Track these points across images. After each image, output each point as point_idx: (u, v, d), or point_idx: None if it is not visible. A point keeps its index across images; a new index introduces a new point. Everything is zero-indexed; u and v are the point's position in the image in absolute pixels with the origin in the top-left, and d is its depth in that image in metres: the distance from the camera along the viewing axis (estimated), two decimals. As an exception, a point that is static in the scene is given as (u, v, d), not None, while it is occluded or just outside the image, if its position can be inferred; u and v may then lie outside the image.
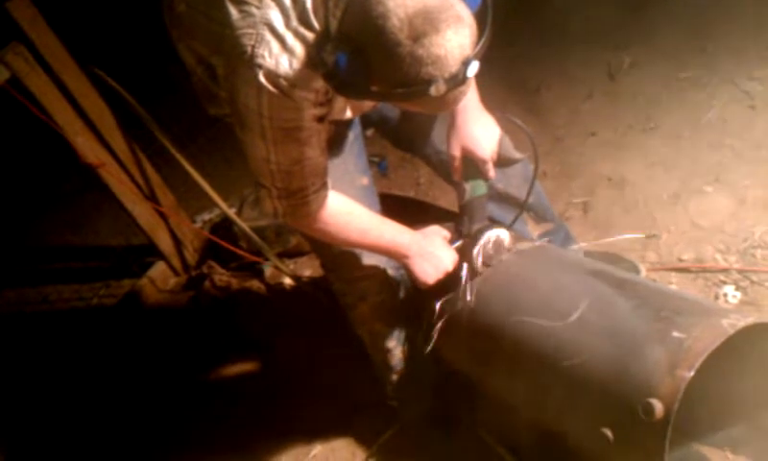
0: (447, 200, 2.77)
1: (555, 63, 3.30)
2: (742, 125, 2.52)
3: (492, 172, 1.75)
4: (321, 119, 1.43)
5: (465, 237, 1.75)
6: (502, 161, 1.77)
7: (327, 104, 1.42)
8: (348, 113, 1.66)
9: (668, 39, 3.05)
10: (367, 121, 1.91)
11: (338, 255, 1.79)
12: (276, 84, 1.31)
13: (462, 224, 1.77)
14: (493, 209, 1.90)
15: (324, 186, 1.54)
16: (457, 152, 1.74)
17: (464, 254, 1.72)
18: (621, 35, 3.22)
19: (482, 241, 1.69)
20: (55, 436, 2.66)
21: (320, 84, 1.34)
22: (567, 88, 3.14)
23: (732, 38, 2.88)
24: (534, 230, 2.02)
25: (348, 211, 1.62)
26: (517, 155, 1.82)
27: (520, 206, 1.90)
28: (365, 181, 1.83)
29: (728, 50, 2.85)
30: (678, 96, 2.79)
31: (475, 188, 1.75)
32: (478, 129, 1.71)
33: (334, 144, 1.70)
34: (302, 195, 1.50)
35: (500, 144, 1.75)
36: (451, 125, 1.73)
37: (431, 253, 1.69)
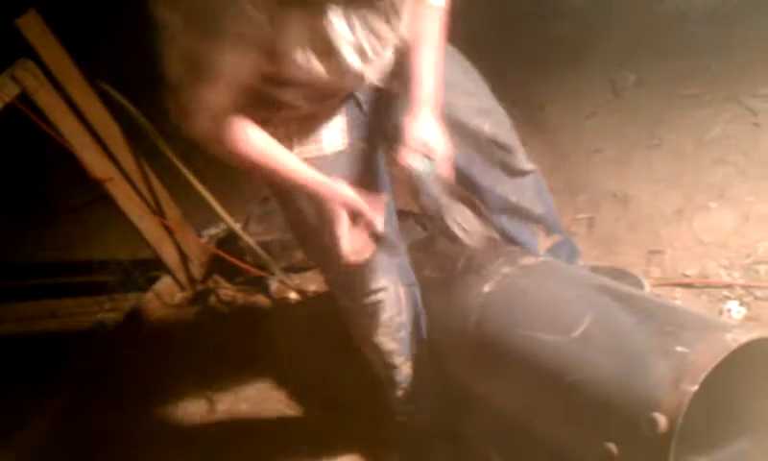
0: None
1: (559, 81, 3.32)
2: (746, 142, 2.52)
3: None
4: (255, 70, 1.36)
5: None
6: (514, 172, 1.76)
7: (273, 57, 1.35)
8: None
9: (672, 57, 3.07)
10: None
11: (350, 275, 1.71)
12: None
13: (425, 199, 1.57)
14: (506, 223, 1.89)
15: None
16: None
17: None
18: (626, 52, 3.24)
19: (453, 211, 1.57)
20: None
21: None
22: (572, 105, 3.15)
23: (737, 56, 2.90)
24: (544, 242, 2.02)
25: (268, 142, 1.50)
26: (529, 166, 1.82)
27: (532, 219, 1.89)
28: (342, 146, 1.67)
29: (732, 67, 2.87)
30: (682, 113, 2.80)
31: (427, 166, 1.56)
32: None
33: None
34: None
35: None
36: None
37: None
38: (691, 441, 1.52)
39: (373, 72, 1.52)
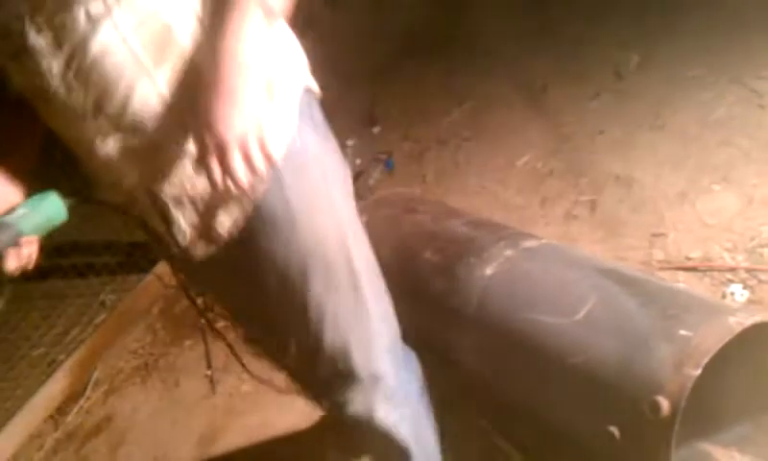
0: (454, 199, 2.77)
1: (562, 62, 3.29)
2: (750, 124, 2.50)
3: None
4: None
5: None
6: None
7: None
8: None
9: (676, 39, 3.04)
10: None
11: None
12: None
13: None
14: None
15: None
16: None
17: None
18: (629, 34, 3.21)
19: None
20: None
21: None
22: (575, 87, 3.13)
23: (741, 38, 2.87)
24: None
25: None
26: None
27: None
28: None
29: (736, 49, 2.84)
30: (686, 95, 2.78)
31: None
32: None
33: None
34: None
35: None
36: None
37: None
38: (694, 424, 1.52)
39: None
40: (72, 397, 2.86)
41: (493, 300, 1.66)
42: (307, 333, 1.25)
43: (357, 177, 3.19)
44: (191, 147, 1.08)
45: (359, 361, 1.30)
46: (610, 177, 2.59)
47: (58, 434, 2.73)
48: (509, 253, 1.72)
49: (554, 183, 2.70)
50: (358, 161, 3.29)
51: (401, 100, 3.71)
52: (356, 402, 1.34)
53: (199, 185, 1.13)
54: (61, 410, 2.83)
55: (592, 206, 2.52)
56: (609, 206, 2.48)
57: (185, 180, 1.13)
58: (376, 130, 3.56)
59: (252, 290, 1.23)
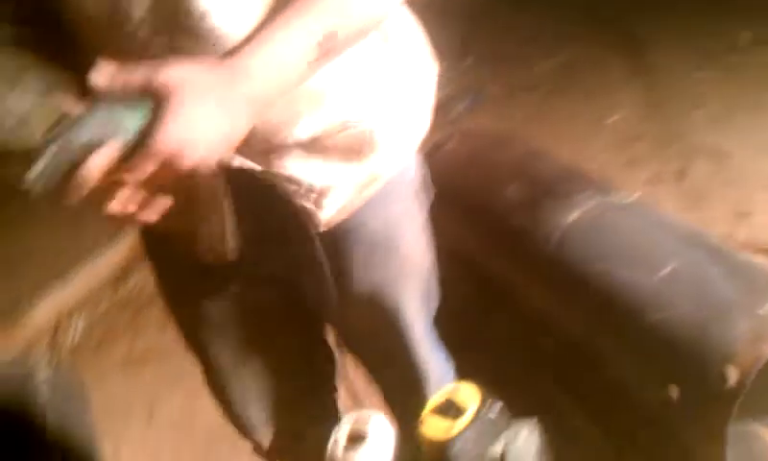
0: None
1: (669, 27, 3.19)
2: None
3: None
4: None
5: None
6: None
7: None
8: None
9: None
10: None
11: None
12: None
13: None
14: None
15: None
16: None
17: None
18: (744, 9, 3.08)
19: None
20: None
21: None
22: (679, 55, 3.04)
23: None
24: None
25: None
26: None
27: None
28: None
29: None
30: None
31: None
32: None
33: None
34: None
35: None
36: None
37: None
38: (749, 403, 1.51)
39: None
40: (134, 264, 2.87)
41: (573, 245, 1.65)
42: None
43: (442, 106, 3.17)
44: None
45: None
46: (701, 149, 2.52)
47: (116, 298, 2.84)
48: (595, 202, 1.70)
49: (641, 147, 2.64)
50: (445, 91, 3.27)
51: (494, 41, 3.65)
52: None
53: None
54: (122, 276, 2.91)
55: (679, 175, 2.46)
56: (696, 177, 2.42)
57: None
58: (467, 64, 3.52)
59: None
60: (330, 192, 1.00)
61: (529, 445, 0.74)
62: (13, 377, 1.63)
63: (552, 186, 1.81)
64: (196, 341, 1.20)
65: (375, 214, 1.10)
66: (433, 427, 0.74)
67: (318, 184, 0.98)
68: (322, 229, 1.02)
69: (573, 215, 1.69)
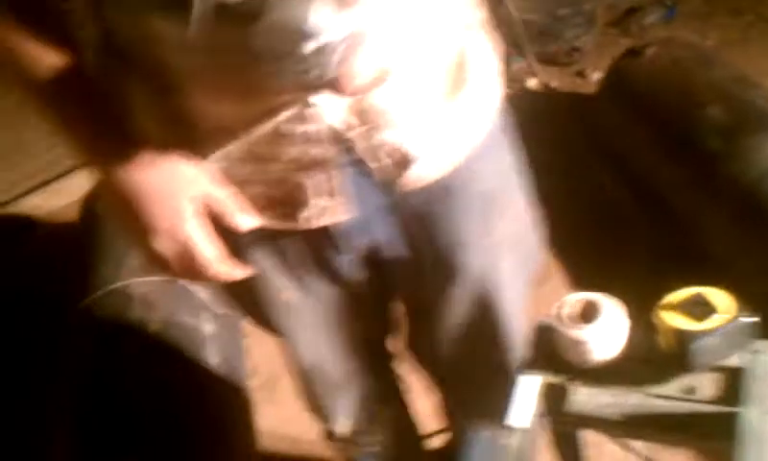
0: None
1: None
2: None
3: None
4: None
5: None
6: None
7: None
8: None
9: None
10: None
11: None
12: None
13: None
14: None
15: None
16: None
17: None
18: None
19: None
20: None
21: None
22: None
23: None
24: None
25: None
26: None
27: None
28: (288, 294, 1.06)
29: None
30: None
31: None
32: None
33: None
34: None
35: None
36: None
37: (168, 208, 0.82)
38: None
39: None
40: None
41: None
42: None
43: (631, 13, 2.99)
44: None
45: None
46: None
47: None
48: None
49: None
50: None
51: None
52: None
53: None
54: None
55: None
56: None
57: None
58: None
59: None
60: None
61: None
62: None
63: (760, 118, 1.69)
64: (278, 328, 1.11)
65: (485, 166, 0.98)
66: (678, 320, 0.72)
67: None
68: (414, 186, 0.91)
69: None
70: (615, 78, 2.08)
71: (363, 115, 0.83)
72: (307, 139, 0.81)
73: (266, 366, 1.83)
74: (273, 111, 0.79)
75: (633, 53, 2.05)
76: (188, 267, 0.83)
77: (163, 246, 0.82)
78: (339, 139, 0.83)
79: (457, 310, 1.08)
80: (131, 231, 0.84)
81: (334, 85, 0.74)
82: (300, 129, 0.81)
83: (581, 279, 1.96)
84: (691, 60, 1.94)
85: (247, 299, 1.08)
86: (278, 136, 0.82)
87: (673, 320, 0.72)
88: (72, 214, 2.27)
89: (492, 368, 1.11)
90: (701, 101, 1.78)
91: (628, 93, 1.99)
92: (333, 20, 0.68)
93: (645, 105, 1.92)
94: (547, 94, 2.73)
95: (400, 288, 1.12)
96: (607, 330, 0.74)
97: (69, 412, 1.44)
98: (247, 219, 0.85)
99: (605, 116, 2.13)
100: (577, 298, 0.77)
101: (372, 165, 0.87)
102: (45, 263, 2.39)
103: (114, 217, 0.86)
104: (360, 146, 0.85)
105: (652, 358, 0.75)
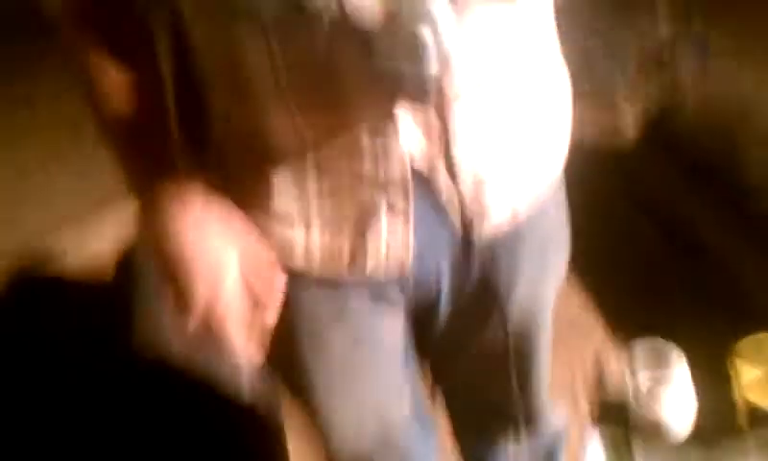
0: None
1: None
2: None
3: None
4: None
5: None
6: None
7: None
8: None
9: None
10: None
11: None
12: None
13: None
14: None
15: None
16: None
17: None
18: None
19: None
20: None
21: None
22: None
23: None
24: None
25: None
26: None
27: None
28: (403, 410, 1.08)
29: None
30: None
31: None
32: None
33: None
34: None
35: None
36: None
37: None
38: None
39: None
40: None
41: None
42: None
43: (663, 61, 2.97)
44: None
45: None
46: None
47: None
48: None
49: None
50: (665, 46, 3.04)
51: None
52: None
53: None
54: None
55: None
56: None
57: None
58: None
59: None
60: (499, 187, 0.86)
61: None
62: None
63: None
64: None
65: (549, 209, 0.96)
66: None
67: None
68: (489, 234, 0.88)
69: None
70: (654, 128, 2.08)
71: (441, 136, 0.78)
72: (384, 153, 0.77)
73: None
74: (354, 124, 0.76)
75: (670, 104, 2.06)
76: (216, 342, 0.82)
77: (193, 323, 0.81)
78: (415, 160, 0.79)
79: (492, 335, 1.06)
80: (166, 292, 0.82)
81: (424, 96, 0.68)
82: (379, 141, 0.76)
83: (621, 327, 1.94)
84: (730, 102, 1.95)
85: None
86: (355, 148, 0.77)
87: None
88: (104, 257, 2.26)
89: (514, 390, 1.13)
90: (743, 143, 1.78)
91: (670, 143, 1.99)
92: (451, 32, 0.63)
93: (688, 154, 1.91)
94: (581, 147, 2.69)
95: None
96: (680, 390, 0.71)
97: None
98: (273, 317, 0.83)
99: (644, 165, 2.12)
100: (644, 350, 0.74)
101: (449, 202, 0.83)
102: (75, 307, 2.38)
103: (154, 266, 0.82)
104: (437, 177, 0.81)
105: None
